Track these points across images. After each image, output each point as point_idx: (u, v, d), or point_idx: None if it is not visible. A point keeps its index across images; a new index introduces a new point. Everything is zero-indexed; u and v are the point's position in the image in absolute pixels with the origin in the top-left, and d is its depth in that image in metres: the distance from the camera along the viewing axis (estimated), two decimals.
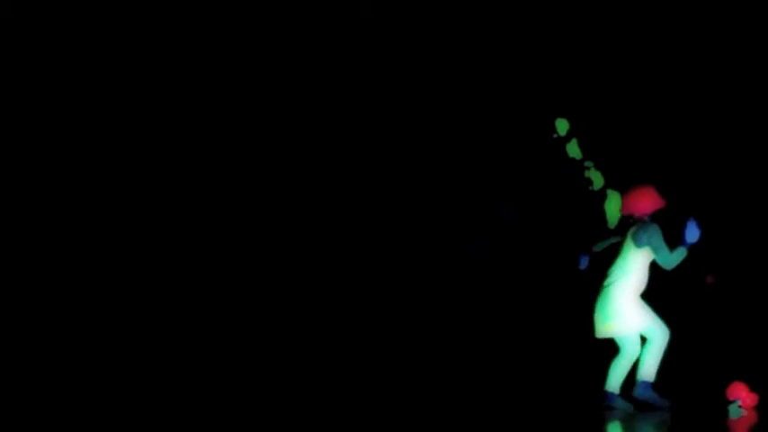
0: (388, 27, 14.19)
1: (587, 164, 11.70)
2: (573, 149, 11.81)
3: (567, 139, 11.86)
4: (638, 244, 10.42)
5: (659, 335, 10.46)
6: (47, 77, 14.35)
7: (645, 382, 10.38)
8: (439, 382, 12.52)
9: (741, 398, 10.37)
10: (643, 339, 10.58)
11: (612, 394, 10.46)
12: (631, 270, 10.47)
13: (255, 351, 13.18)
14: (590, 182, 11.63)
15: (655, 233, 10.39)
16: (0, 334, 13.24)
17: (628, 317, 10.42)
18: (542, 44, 13.74)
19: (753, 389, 10.41)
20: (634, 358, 10.50)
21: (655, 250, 10.39)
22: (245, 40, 14.48)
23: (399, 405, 10.79)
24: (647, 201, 10.62)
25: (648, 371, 10.42)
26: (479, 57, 13.81)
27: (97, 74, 14.42)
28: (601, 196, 11.50)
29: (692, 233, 10.37)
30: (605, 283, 10.54)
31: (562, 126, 11.96)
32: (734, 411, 10.12)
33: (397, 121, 14.14)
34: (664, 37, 13.41)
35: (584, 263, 10.87)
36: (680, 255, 10.42)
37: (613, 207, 11.32)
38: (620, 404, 10.44)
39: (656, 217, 10.64)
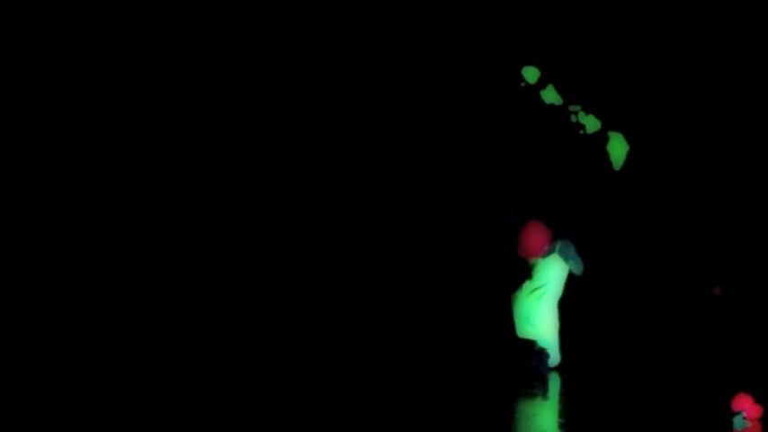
0: (388, 27, 14.05)
1: (573, 108, 11.38)
2: (550, 95, 11.45)
3: (541, 86, 11.52)
4: (567, 257, 11.07)
5: (553, 357, 11.22)
6: (47, 77, 14.13)
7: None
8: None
9: (746, 409, 9.92)
10: None
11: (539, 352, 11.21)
12: (554, 285, 11.15)
13: (255, 351, 12.85)
14: (582, 127, 11.33)
15: (572, 247, 11.08)
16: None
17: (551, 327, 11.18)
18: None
19: (758, 400, 9.98)
20: (553, 363, 11.24)
21: (575, 263, 11.11)
22: (246, 40, 14.27)
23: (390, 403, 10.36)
24: (540, 239, 11.15)
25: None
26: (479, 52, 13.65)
27: (97, 74, 14.23)
28: (600, 139, 11.26)
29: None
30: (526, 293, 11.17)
31: (531, 74, 11.53)
32: (738, 423, 9.81)
33: (396, 119, 13.94)
34: None
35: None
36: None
37: (617, 148, 11.16)
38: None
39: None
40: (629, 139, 12.20)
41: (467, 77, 13.77)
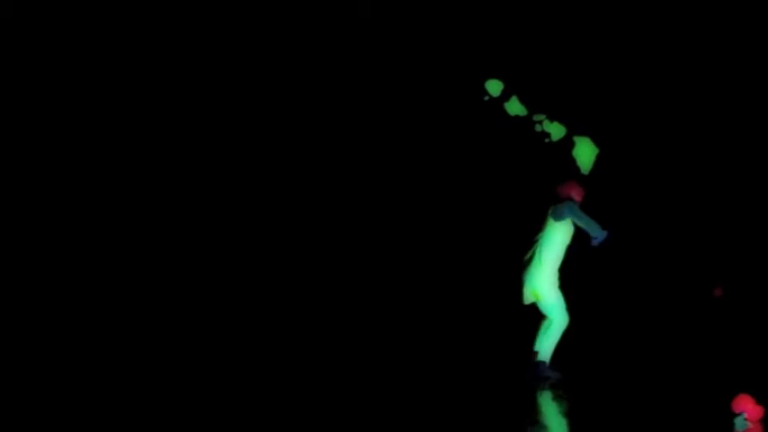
0: (388, 27, 13.96)
1: (538, 118, 11.32)
2: (514, 107, 11.40)
3: (505, 98, 11.47)
4: (558, 218, 10.84)
5: (559, 318, 10.97)
6: (47, 77, 14.09)
7: (543, 363, 11.01)
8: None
9: (747, 410, 9.84)
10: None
11: (543, 363, 11.02)
12: (548, 244, 10.93)
13: (255, 351, 12.79)
14: (547, 135, 11.27)
15: (573, 206, 10.85)
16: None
17: (545, 285, 10.98)
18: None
19: (759, 401, 9.89)
20: (562, 326, 10.99)
21: (577, 219, 10.82)
22: (246, 40, 14.20)
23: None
24: (574, 191, 11.12)
25: (546, 353, 11.00)
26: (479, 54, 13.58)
27: (97, 74, 14.17)
28: (566, 145, 11.19)
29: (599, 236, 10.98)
30: (530, 254, 10.99)
31: (494, 87, 11.47)
32: (740, 424, 9.72)
33: (394, 119, 13.87)
34: None
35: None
36: (599, 230, 10.87)
37: (584, 152, 11.08)
38: (550, 374, 11.01)
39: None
40: (627, 141, 12.14)
41: (463, 79, 13.70)
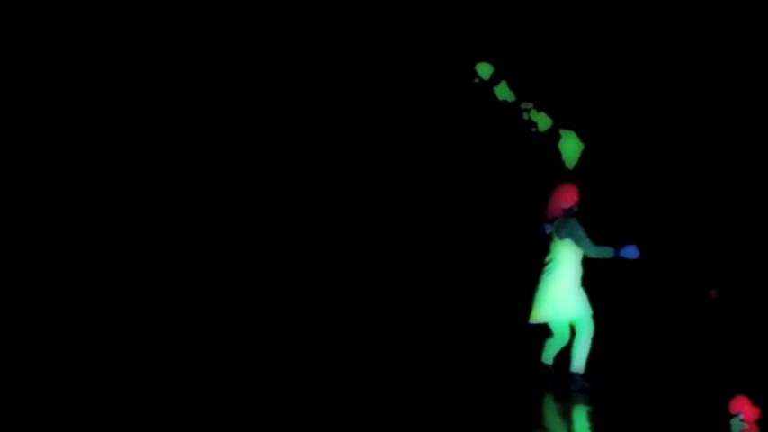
0: (388, 27, 13.97)
1: (526, 106, 11.21)
2: (503, 92, 11.29)
3: (494, 82, 11.38)
4: (560, 236, 10.57)
5: (585, 327, 10.77)
6: (47, 77, 14.13)
7: (577, 374, 10.79)
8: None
9: (743, 412, 9.88)
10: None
11: (546, 365, 10.98)
12: (560, 261, 10.67)
13: (255, 352, 12.78)
14: (534, 124, 11.16)
15: (574, 226, 10.53)
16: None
17: (558, 303, 10.73)
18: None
19: (755, 403, 9.91)
20: (566, 339, 10.85)
21: (576, 241, 10.54)
22: (246, 40, 14.23)
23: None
24: (565, 198, 10.81)
25: (579, 363, 10.79)
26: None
27: (97, 74, 14.21)
28: (552, 137, 11.08)
29: (630, 252, 10.60)
30: (541, 274, 10.77)
31: (485, 70, 11.38)
32: (736, 425, 9.74)
33: (393, 119, 13.88)
34: None
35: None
36: (605, 251, 10.61)
37: (570, 146, 10.95)
38: (551, 373, 10.99)
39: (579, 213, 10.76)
40: (617, 140, 12.10)
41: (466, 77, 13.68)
